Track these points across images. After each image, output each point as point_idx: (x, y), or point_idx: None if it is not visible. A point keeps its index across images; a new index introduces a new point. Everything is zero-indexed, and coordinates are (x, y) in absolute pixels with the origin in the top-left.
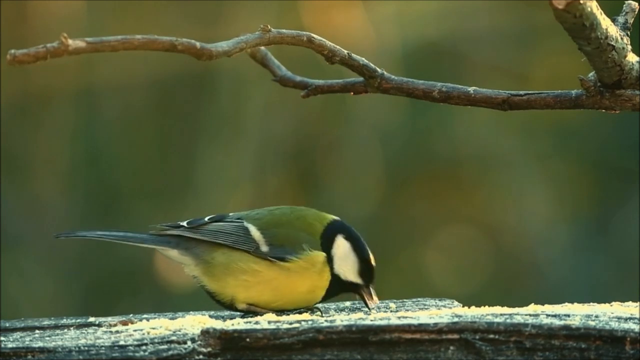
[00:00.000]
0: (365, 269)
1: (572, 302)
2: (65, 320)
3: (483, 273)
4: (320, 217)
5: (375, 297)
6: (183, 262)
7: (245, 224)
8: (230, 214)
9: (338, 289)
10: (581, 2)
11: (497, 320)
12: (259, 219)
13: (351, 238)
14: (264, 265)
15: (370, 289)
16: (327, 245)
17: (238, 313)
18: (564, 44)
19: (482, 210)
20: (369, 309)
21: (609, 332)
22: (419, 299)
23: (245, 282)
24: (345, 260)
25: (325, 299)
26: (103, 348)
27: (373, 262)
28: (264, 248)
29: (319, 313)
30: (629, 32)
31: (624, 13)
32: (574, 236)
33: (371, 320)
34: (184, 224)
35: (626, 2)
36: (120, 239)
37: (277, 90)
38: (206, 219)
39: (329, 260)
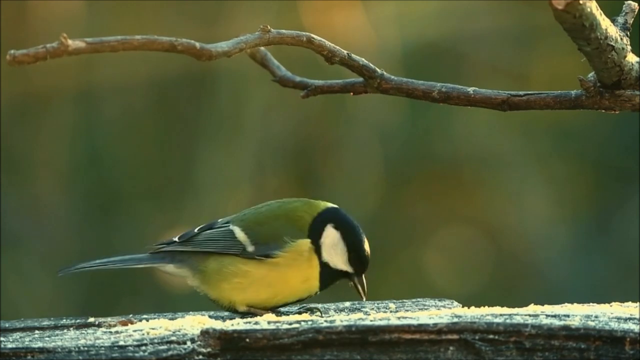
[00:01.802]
0: (355, 258)
1: (571, 302)
2: (64, 320)
3: (483, 273)
4: (312, 208)
5: (364, 288)
6: (181, 275)
7: (231, 227)
8: (219, 219)
9: (332, 277)
10: (581, 2)
11: (497, 320)
12: (244, 220)
13: (342, 227)
14: (252, 265)
15: (363, 278)
16: (315, 235)
17: (238, 314)
18: (564, 44)
19: (482, 210)
20: (361, 297)
21: (609, 333)
22: (418, 299)
23: (239, 285)
24: (333, 248)
25: (324, 287)
26: (103, 348)
27: (366, 251)
28: (250, 248)
29: (318, 313)
30: (628, 33)
31: (624, 13)
32: (573, 236)
33: (371, 321)
34: (176, 239)
35: (626, 2)
36: (118, 263)
37: (277, 91)
38: (196, 230)
39: (317, 249)
